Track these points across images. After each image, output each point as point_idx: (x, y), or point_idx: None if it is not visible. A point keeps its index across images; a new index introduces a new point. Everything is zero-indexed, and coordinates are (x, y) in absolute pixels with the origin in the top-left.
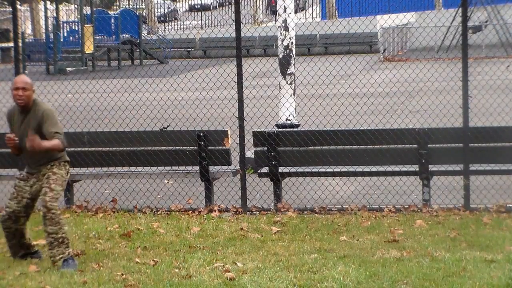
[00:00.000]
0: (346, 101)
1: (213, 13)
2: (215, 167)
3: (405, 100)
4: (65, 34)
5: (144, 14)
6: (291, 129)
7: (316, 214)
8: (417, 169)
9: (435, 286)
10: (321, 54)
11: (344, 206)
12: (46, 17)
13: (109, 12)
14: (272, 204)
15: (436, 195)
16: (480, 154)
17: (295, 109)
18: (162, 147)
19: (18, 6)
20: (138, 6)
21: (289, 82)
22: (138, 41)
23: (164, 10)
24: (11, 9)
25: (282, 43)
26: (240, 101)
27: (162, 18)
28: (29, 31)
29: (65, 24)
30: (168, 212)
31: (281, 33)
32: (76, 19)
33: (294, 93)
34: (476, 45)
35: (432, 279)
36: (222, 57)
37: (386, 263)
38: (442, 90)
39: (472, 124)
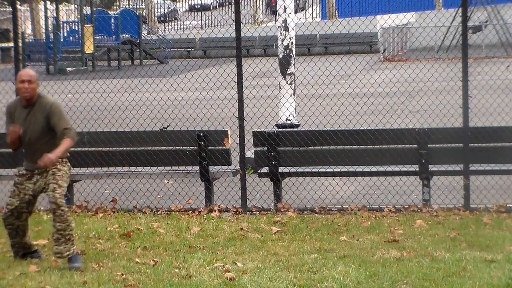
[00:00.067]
0: (346, 101)
1: (213, 13)
2: (215, 167)
3: (405, 100)
4: (65, 34)
5: (144, 14)
6: (291, 129)
7: (316, 214)
8: (417, 169)
9: (435, 286)
10: (321, 54)
11: (344, 206)
12: (46, 17)
13: (109, 12)
14: (272, 204)
15: (436, 195)
16: (480, 154)
17: (295, 109)
18: (162, 147)
19: (18, 6)
20: (138, 6)
21: (289, 82)
22: (138, 41)
23: (164, 10)
24: (11, 9)
25: (282, 43)
26: (240, 101)
27: (162, 18)
28: (29, 31)
29: (65, 24)
30: (168, 212)
31: (281, 33)
32: (76, 19)
33: (294, 93)
34: (476, 45)
35: (432, 279)
36: (222, 57)
37: (386, 263)
38: (442, 90)
39: (472, 124)
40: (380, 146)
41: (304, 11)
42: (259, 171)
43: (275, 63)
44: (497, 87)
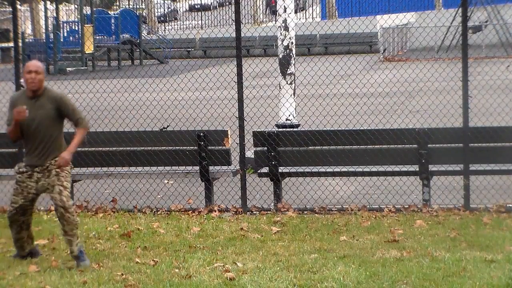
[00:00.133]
0: (346, 101)
1: (213, 13)
2: (215, 167)
3: (405, 100)
4: (65, 34)
5: (144, 14)
6: (291, 129)
7: (316, 214)
8: (417, 169)
9: (435, 286)
10: (321, 54)
11: (344, 206)
12: (46, 17)
13: (109, 12)
14: (272, 204)
15: (436, 195)
16: (480, 154)
17: (295, 109)
18: (162, 147)
19: (18, 6)
20: (138, 6)
21: (289, 82)
22: (138, 41)
23: (164, 10)
24: (11, 9)
25: (282, 43)
26: (240, 101)
27: (162, 18)
28: (29, 31)
29: (65, 24)
30: (168, 212)
31: (281, 33)
32: (76, 19)
33: (294, 93)
34: (476, 45)
35: (432, 279)
36: (222, 57)
37: (386, 263)
38: (442, 90)
39: (472, 124)
40: (380, 146)
41: (304, 11)
42: (259, 171)
43: (275, 63)
44: (497, 87)
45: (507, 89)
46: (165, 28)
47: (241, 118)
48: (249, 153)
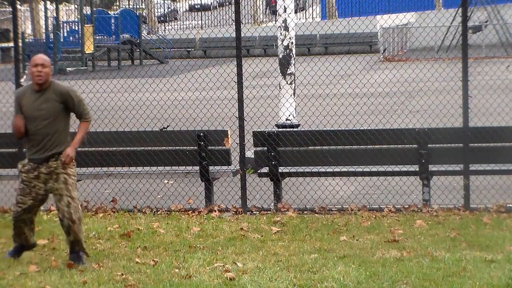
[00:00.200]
0: (346, 101)
1: (213, 13)
2: (215, 167)
3: (405, 100)
4: (65, 34)
5: (144, 14)
6: (291, 129)
7: (316, 214)
8: (417, 169)
9: (435, 286)
10: (321, 54)
11: (344, 206)
12: (46, 17)
13: (109, 12)
14: (272, 204)
15: (436, 195)
16: (480, 154)
17: (295, 109)
18: (162, 147)
19: (18, 6)
20: (138, 6)
21: (289, 82)
22: (138, 41)
23: (164, 10)
24: (11, 9)
25: (282, 43)
26: (240, 101)
27: (162, 18)
28: (29, 31)
29: (65, 24)
30: (168, 212)
31: (281, 33)
32: (76, 19)
33: (294, 93)
34: (476, 45)
35: (432, 279)
36: (222, 57)
37: (386, 263)
38: (442, 90)
39: (472, 124)
40: (380, 146)
41: (304, 11)
42: (259, 171)
43: (275, 63)
44: (497, 87)
45: (507, 89)
46: (165, 28)
47: (241, 118)
48: (249, 153)
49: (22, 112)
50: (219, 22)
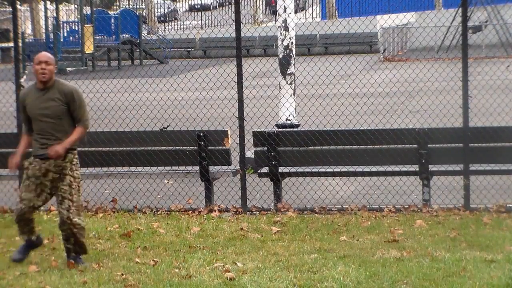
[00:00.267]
0: (346, 101)
1: (213, 13)
2: (215, 167)
3: (405, 100)
4: (65, 34)
5: (144, 14)
6: (291, 129)
7: (316, 214)
8: (417, 169)
9: (435, 286)
10: (321, 54)
11: (344, 206)
12: (46, 17)
13: (109, 12)
14: (272, 204)
15: (436, 195)
16: (480, 154)
17: (295, 109)
18: (162, 147)
19: (18, 6)
20: (138, 6)
21: (289, 82)
22: (138, 41)
23: (164, 10)
24: (11, 9)
25: (282, 43)
26: (240, 101)
27: (162, 18)
28: (29, 31)
29: (65, 24)
30: (168, 212)
31: (281, 33)
32: (76, 19)
33: (294, 93)
34: (476, 45)
35: (432, 279)
36: (222, 57)
37: (386, 263)
38: (442, 90)
39: (472, 124)
40: (380, 146)
41: (304, 11)
42: (259, 171)
43: (275, 63)
44: (497, 87)
45: (507, 89)
46: (165, 28)
47: (241, 118)
48: (249, 153)
49: (26, 111)
50: (219, 22)
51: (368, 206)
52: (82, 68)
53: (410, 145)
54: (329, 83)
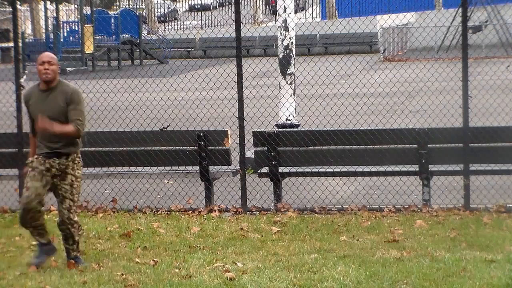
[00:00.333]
0: (346, 101)
1: (213, 13)
2: (215, 167)
3: (405, 100)
4: (65, 34)
5: (144, 14)
6: (291, 129)
7: (316, 214)
8: (417, 169)
9: (435, 286)
10: (321, 54)
11: (344, 206)
12: (46, 17)
13: (109, 12)
14: (272, 204)
15: (436, 195)
16: (480, 154)
17: (295, 109)
18: (162, 147)
19: (18, 6)
20: (138, 6)
21: (289, 82)
22: (138, 41)
23: (164, 10)
24: (11, 9)
25: (282, 43)
26: (240, 101)
27: (162, 18)
28: (29, 31)
29: (65, 24)
30: (168, 212)
31: (281, 33)
32: (76, 19)
33: (294, 93)
34: (476, 45)
35: (432, 279)
36: (222, 57)
37: (386, 263)
38: (442, 90)
39: (472, 124)
40: (380, 146)
41: (304, 11)
42: (259, 171)
43: (275, 63)
44: (497, 87)
45: (507, 89)
46: (165, 28)
47: (241, 118)
48: (249, 153)
49: (30, 112)
50: (219, 22)
51: (368, 206)
52: (82, 68)
53: (410, 145)
54: (329, 83)
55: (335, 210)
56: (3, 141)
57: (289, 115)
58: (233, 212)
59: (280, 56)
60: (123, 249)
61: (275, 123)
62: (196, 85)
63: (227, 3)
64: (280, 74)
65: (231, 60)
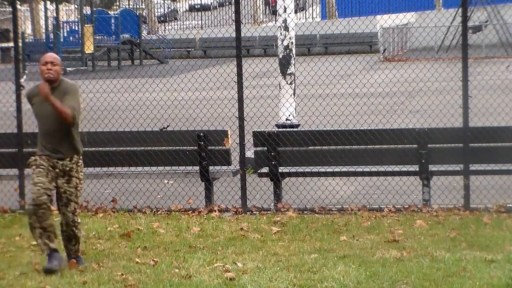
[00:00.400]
0: (346, 101)
1: (213, 13)
2: (215, 167)
3: (405, 100)
4: (65, 34)
5: (144, 14)
6: (291, 129)
7: (316, 214)
8: (417, 169)
9: (435, 286)
10: (321, 54)
11: (344, 206)
12: (46, 17)
13: (109, 12)
14: (272, 204)
15: (436, 195)
16: (480, 154)
17: (295, 109)
18: (162, 147)
19: (18, 6)
20: (138, 6)
21: (289, 82)
22: (138, 41)
23: (164, 10)
24: (11, 9)
25: (282, 43)
26: (240, 101)
27: (162, 18)
28: (29, 31)
29: (65, 24)
30: (168, 212)
31: (281, 33)
32: (76, 19)
33: (294, 93)
34: (476, 45)
35: (432, 279)
36: (222, 57)
37: (386, 263)
38: (442, 90)
39: (472, 124)
40: (380, 146)
41: (304, 11)
42: (259, 171)
43: (275, 63)
44: (497, 87)
45: (507, 89)
46: (165, 28)
47: (241, 118)
48: (249, 153)
49: (34, 112)
50: (219, 22)
51: (368, 206)
52: (82, 68)
53: (410, 145)
54: (329, 83)
55: (335, 210)
56: (3, 141)
57: (289, 115)
58: (233, 212)
59: (280, 56)
60: (123, 249)
61: (275, 123)
62: (196, 85)
63: (227, 3)
64: (280, 74)
65: (231, 60)
